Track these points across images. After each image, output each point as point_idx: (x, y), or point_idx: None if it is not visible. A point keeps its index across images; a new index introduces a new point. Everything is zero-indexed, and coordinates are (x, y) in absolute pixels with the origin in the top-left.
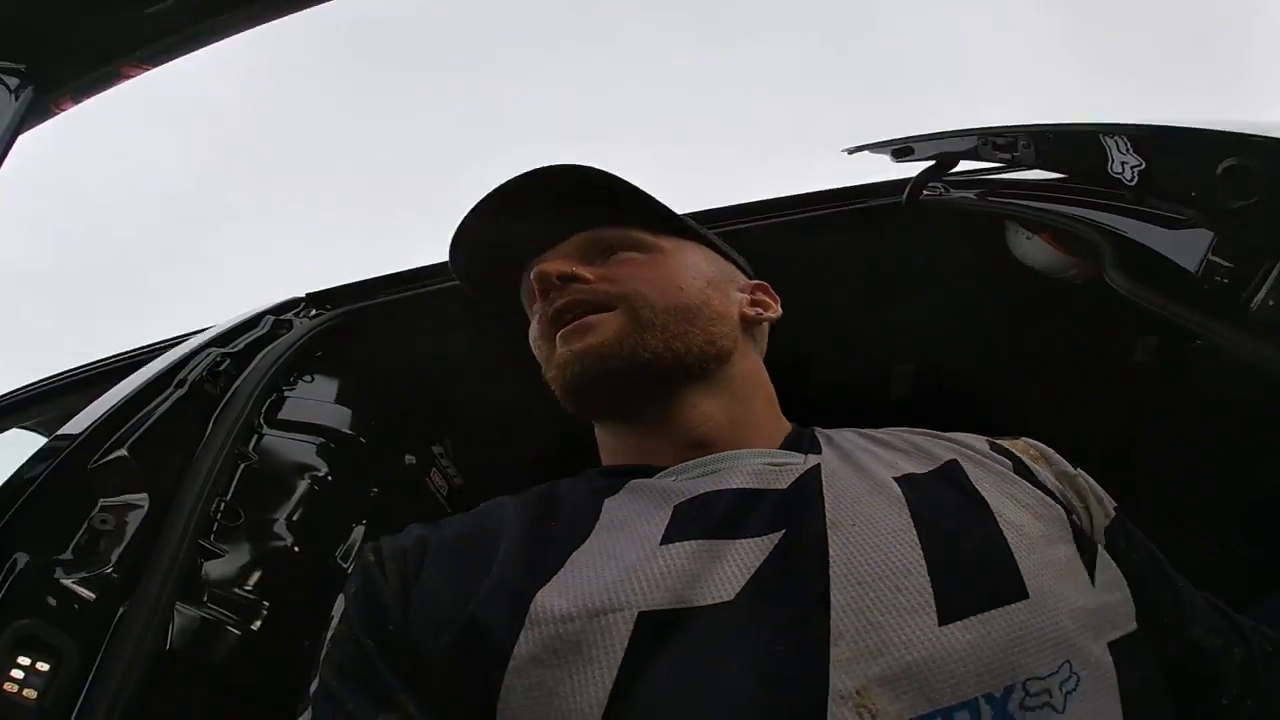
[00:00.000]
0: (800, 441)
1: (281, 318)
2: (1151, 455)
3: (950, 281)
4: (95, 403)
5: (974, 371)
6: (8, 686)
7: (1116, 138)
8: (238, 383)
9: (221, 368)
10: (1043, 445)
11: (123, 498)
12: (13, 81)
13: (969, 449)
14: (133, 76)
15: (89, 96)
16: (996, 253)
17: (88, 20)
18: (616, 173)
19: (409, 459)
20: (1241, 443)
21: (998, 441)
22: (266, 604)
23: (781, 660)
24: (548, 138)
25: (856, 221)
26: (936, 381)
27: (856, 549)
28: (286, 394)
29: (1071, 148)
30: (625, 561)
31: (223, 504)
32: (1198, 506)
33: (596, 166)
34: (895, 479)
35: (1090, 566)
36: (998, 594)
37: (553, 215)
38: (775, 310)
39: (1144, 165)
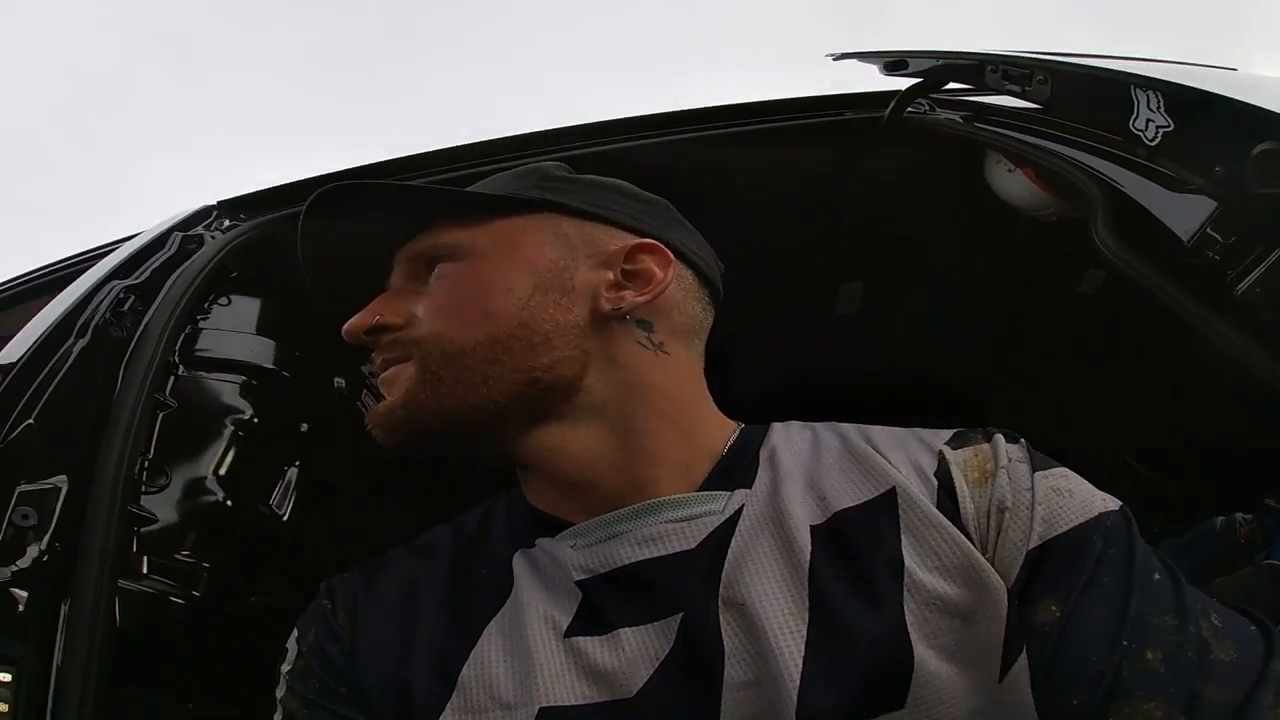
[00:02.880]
0: (732, 470)
1: (190, 233)
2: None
3: (914, 201)
4: None
5: (923, 295)
6: None
7: (1150, 92)
8: (146, 319)
9: (126, 306)
10: (1010, 453)
11: (40, 483)
12: None
13: (915, 469)
14: None
15: None
16: (970, 179)
17: None
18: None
19: (338, 382)
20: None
21: (946, 454)
22: (206, 565)
23: None
24: (478, 21)
25: (833, 133)
26: (884, 301)
27: (744, 637)
28: (202, 325)
29: (1095, 93)
30: (531, 653)
31: (146, 463)
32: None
33: (374, 182)
34: (815, 526)
35: (1008, 658)
36: (868, 705)
37: (365, 236)
38: (657, 285)
39: (1171, 128)
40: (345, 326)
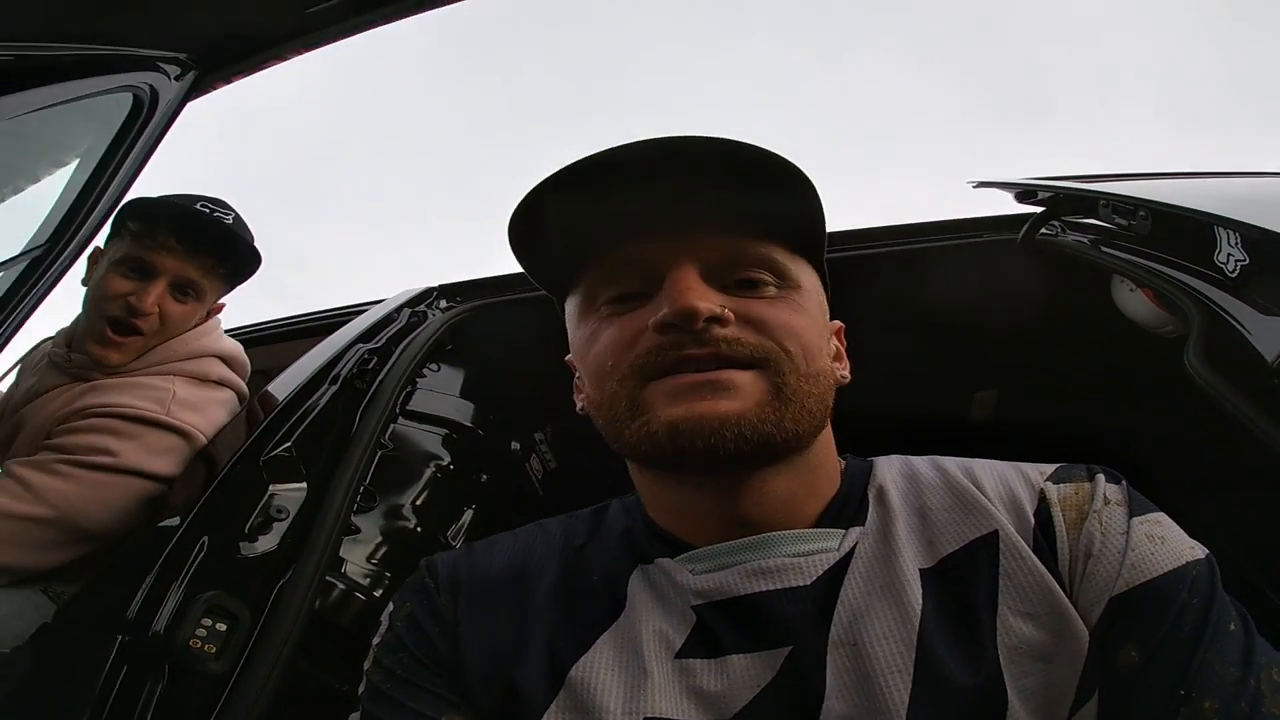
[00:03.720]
0: (845, 506)
1: (416, 309)
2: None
3: (1041, 314)
4: (268, 387)
5: (1056, 404)
6: (193, 642)
7: (1230, 230)
8: (381, 376)
9: (370, 365)
10: (1108, 494)
11: (288, 485)
12: (174, 70)
13: (1014, 508)
14: (288, 59)
15: (245, 76)
16: (1096, 294)
17: (251, 15)
18: None
19: (514, 445)
20: None
21: (1047, 492)
22: (389, 575)
23: None
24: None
25: (972, 254)
26: (1016, 410)
27: (851, 676)
28: (419, 385)
29: (1185, 231)
30: (644, 667)
31: (362, 488)
32: None
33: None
34: (924, 570)
35: (1079, 699)
36: None
37: (684, 199)
38: (846, 366)
39: (1248, 262)
40: (688, 304)
